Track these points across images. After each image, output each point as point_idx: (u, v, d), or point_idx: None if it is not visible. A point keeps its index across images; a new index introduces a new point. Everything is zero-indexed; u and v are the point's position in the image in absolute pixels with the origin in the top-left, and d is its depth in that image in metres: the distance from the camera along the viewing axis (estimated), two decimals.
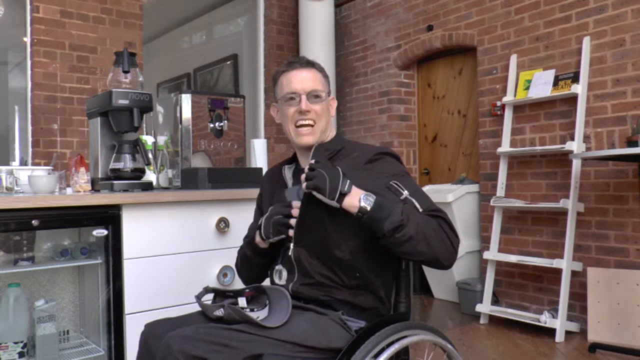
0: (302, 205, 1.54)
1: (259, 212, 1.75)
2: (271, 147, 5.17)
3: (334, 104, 1.70)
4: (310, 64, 1.64)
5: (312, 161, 1.49)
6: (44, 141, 4.09)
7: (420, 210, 1.46)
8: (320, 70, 1.65)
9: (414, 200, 1.47)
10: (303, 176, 1.46)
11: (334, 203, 1.42)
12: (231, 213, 2.24)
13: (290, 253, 1.57)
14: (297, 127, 1.60)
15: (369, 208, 1.40)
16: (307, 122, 1.59)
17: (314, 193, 1.44)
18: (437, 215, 1.47)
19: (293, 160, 1.73)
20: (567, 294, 3.42)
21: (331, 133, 1.67)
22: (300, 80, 1.60)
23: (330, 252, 1.51)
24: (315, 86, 1.60)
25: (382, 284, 1.56)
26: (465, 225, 4.32)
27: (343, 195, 1.41)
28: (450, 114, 4.79)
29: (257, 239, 1.62)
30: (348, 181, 1.42)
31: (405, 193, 1.48)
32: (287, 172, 1.71)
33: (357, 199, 1.41)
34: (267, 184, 1.76)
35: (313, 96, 1.60)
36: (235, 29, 6.39)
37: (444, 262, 1.45)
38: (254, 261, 1.68)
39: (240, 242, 1.79)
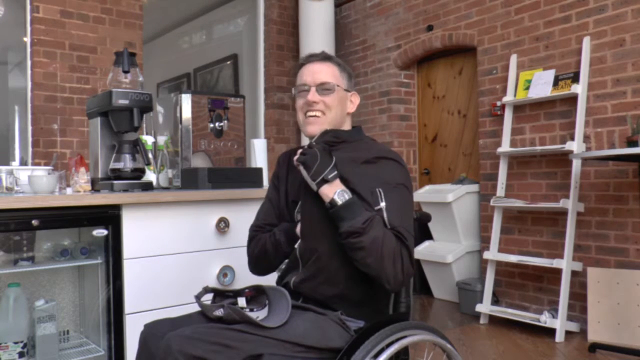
0: (302, 199, 1.57)
1: (274, 191, 1.74)
2: (271, 147, 5.17)
3: (355, 100, 1.70)
4: (326, 58, 1.67)
5: (313, 142, 1.55)
6: (44, 141, 4.09)
7: (388, 226, 1.46)
8: (338, 64, 1.68)
9: (385, 214, 1.47)
10: (299, 151, 1.52)
11: (313, 185, 1.48)
12: (231, 213, 2.24)
13: (296, 246, 1.59)
14: (306, 116, 1.63)
15: (338, 203, 1.44)
16: (314, 113, 1.62)
17: (300, 168, 1.50)
18: (402, 240, 1.46)
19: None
20: (567, 294, 3.42)
21: (346, 127, 1.69)
22: (312, 72, 1.64)
23: (331, 246, 1.52)
24: (326, 79, 1.62)
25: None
26: (465, 225, 4.32)
27: (324, 181, 1.46)
28: (450, 114, 4.79)
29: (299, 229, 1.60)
30: (335, 172, 1.47)
31: (382, 205, 1.48)
32: None
33: (333, 191, 1.45)
34: (285, 163, 1.75)
35: (323, 88, 1.62)
36: (235, 29, 6.39)
37: (387, 284, 1.46)
38: (284, 250, 1.64)
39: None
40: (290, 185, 1.69)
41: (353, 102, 1.69)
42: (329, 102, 1.62)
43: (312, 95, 1.61)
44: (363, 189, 1.49)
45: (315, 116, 1.62)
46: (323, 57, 1.67)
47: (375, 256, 1.42)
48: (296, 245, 1.59)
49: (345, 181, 1.50)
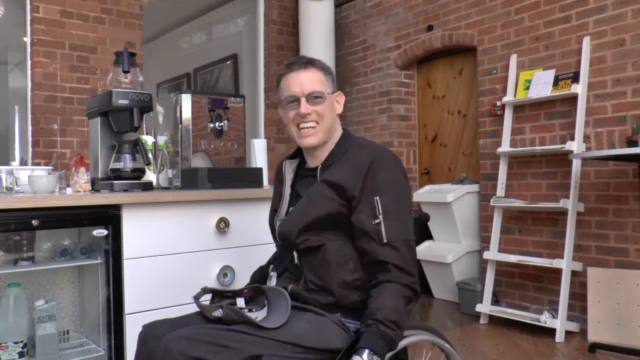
0: (300, 208, 1.56)
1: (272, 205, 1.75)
2: (271, 147, 5.17)
3: (341, 99, 1.66)
4: (309, 64, 1.60)
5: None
6: (44, 141, 4.09)
7: (385, 240, 1.44)
8: (322, 68, 1.61)
9: (382, 229, 1.45)
10: None
11: None
12: (231, 213, 2.24)
13: (296, 262, 1.57)
14: (300, 129, 1.59)
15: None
16: (309, 124, 1.57)
17: None
18: (395, 269, 1.43)
19: (297, 154, 1.72)
20: (567, 294, 3.42)
21: (337, 133, 1.64)
22: (298, 82, 1.57)
23: (323, 256, 1.51)
24: (315, 87, 1.57)
25: None
26: (465, 225, 4.32)
27: None
28: (450, 114, 4.79)
29: None
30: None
31: (380, 219, 1.45)
32: (288, 167, 1.70)
33: None
34: (275, 178, 1.77)
35: (313, 97, 1.57)
36: (235, 29, 6.39)
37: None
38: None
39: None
40: (274, 194, 1.72)
41: (339, 102, 1.65)
42: (321, 111, 1.57)
43: (305, 107, 1.55)
44: (364, 208, 1.47)
45: (310, 127, 1.57)
46: (306, 62, 1.60)
47: (405, 316, 1.44)
48: (296, 261, 1.57)
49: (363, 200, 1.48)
